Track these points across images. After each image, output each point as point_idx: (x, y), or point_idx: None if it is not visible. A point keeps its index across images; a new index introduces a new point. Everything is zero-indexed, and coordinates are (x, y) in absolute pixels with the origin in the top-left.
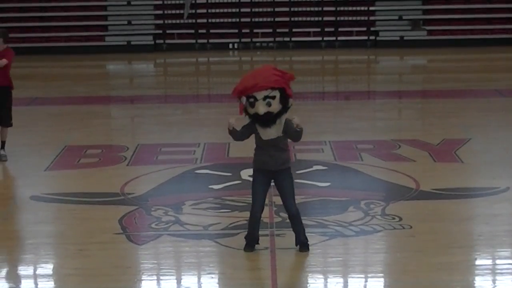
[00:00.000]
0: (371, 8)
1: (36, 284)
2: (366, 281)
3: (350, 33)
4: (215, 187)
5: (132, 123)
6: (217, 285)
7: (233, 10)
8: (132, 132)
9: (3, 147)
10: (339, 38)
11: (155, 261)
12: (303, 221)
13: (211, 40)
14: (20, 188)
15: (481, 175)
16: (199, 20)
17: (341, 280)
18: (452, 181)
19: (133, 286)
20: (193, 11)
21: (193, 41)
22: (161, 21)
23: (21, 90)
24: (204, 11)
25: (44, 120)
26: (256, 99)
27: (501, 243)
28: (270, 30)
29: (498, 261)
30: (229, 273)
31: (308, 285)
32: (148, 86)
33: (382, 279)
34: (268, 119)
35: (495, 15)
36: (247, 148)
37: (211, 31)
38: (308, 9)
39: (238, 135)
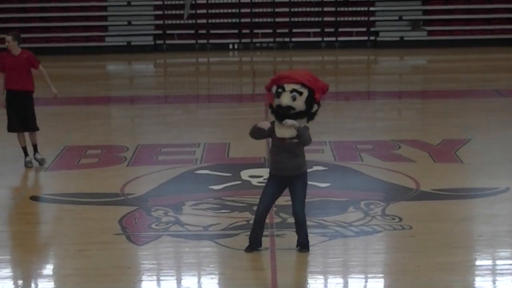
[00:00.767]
0: (371, 9)
1: (36, 284)
2: (366, 281)
3: (350, 34)
4: (215, 187)
5: (132, 123)
6: (217, 285)
7: (233, 10)
8: (132, 133)
9: (36, 150)
10: (339, 38)
11: (155, 262)
12: None
13: (211, 41)
14: (20, 188)
15: (481, 175)
16: (199, 21)
17: (341, 280)
18: (452, 181)
19: (133, 286)
20: (193, 11)
21: (193, 41)
22: (161, 22)
23: None
24: (204, 11)
25: (44, 120)
26: (284, 90)
27: (501, 243)
28: (270, 31)
29: (498, 261)
30: (229, 274)
31: (308, 285)
32: (148, 86)
33: (382, 279)
34: (288, 114)
35: (495, 15)
36: (247, 148)
37: (211, 31)
38: (308, 9)
39: (256, 131)
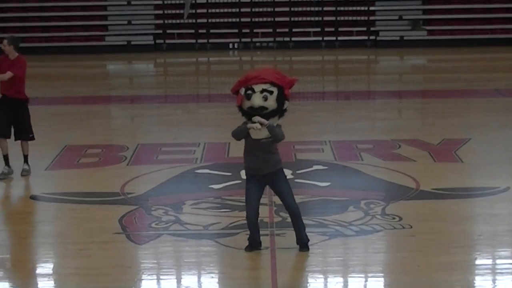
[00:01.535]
0: (371, 8)
1: (36, 283)
2: (366, 281)
3: (350, 33)
4: (215, 186)
5: (132, 123)
6: (217, 284)
7: (233, 10)
8: (132, 132)
9: (26, 161)
10: (339, 38)
11: (155, 261)
12: (304, 221)
13: (211, 40)
14: (20, 188)
15: (481, 175)
16: (199, 20)
17: (341, 279)
18: (452, 181)
19: (133, 285)
20: (193, 11)
21: (193, 41)
22: (161, 21)
23: None
24: (204, 11)
25: (44, 120)
26: (253, 91)
27: (501, 243)
28: (270, 30)
29: (498, 261)
30: (229, 273)
31: (308, 284)
32: (148, 86)
33: (382, 279)
34: (261, 115)
35: (495, 15)
36: None
37: (211, 31)
38: (308, 9)
39: (237, 133)
